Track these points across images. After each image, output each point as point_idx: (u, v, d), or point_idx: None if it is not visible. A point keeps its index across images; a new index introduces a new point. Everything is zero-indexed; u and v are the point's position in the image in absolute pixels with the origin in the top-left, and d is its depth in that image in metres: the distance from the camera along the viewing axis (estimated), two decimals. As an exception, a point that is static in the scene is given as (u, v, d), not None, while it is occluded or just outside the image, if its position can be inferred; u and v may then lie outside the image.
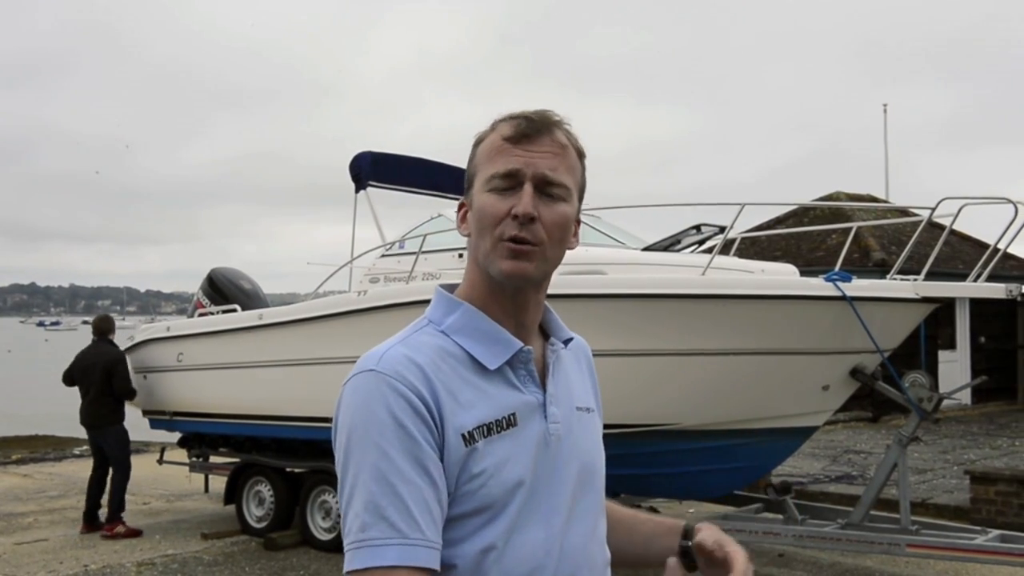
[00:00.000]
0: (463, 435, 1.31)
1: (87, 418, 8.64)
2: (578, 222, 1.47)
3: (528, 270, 1.37)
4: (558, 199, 1.38)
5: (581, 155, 1.44)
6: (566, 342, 1.51)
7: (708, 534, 1.47)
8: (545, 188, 1.37)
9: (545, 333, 1.51)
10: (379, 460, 1.26)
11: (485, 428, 1.33)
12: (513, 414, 1.37)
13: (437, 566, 1.26)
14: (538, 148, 1.38)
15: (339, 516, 7.34)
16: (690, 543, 1.51)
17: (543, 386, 1.43)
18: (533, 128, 1.39)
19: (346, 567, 1.25)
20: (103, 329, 8.91)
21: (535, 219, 1.35)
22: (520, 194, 1.36)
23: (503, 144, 1.39)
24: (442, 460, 1.29)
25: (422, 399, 1.30)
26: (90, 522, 8.54)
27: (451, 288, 1.47)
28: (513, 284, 1.39)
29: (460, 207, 1.47)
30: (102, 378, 8.55)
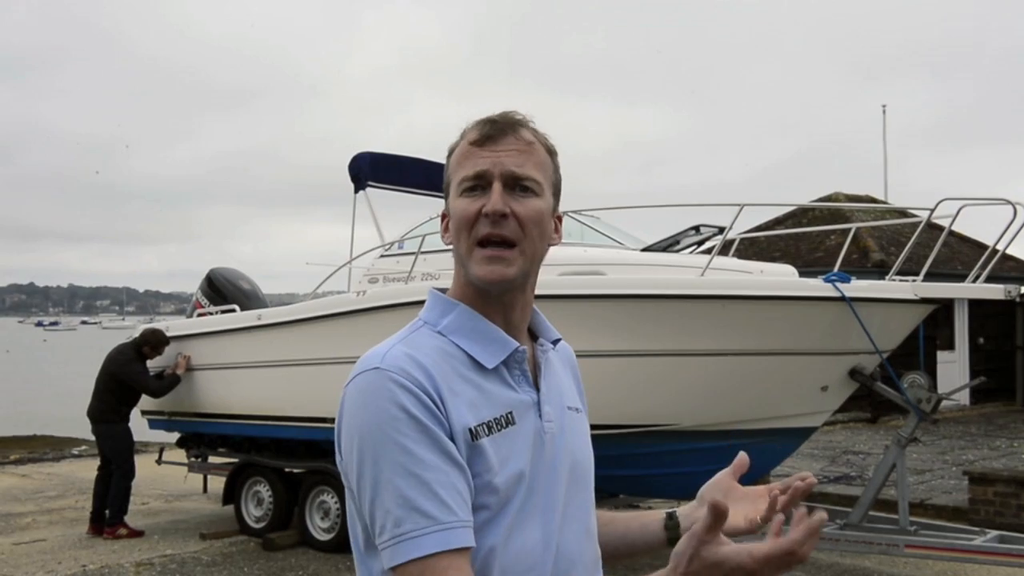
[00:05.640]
0: (470, 430, 1.32)
1: (88, 410, 8.61)
2: (559, 218, 1.50)
3: (506, 273, 1.39)
4: (529, 194, 1.41)
5: (551, 152, 1.47)
6: (554, 342, 1.53)
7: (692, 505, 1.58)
8: (514, 184, 1.40)
9: (533, 334, 1.53)
10: (399, 454, 1.27)
11: (487, 426, 1.35)
12: (511, 412, 1.38)
13: (473, 542, 1.27)
14: (504, 147, 1.41)
15: (338, 517, 7.27)
16: (675, 511, 1.61)
17: (536, 386, 1.45)
18: (497, 129, 1.42)
19: (387, 564, 1.26)
20: (139, 337, 8.71)
21: (507, 215, 1.38)
22: (490, 193, 1.39)
23: (470, 149, 1.42)
24: None
25: (428, 395, 1.31)
26: (96, 522, 8.45)
27: (442, 292, 1.49)
28: (494, 289, 1.41)
29: (442, 218, 1.50)
30: (105, 379, 8.54)
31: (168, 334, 8.88)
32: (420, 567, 1.23)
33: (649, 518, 1.64)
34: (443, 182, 1.49)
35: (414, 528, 1.24)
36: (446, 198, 1.48)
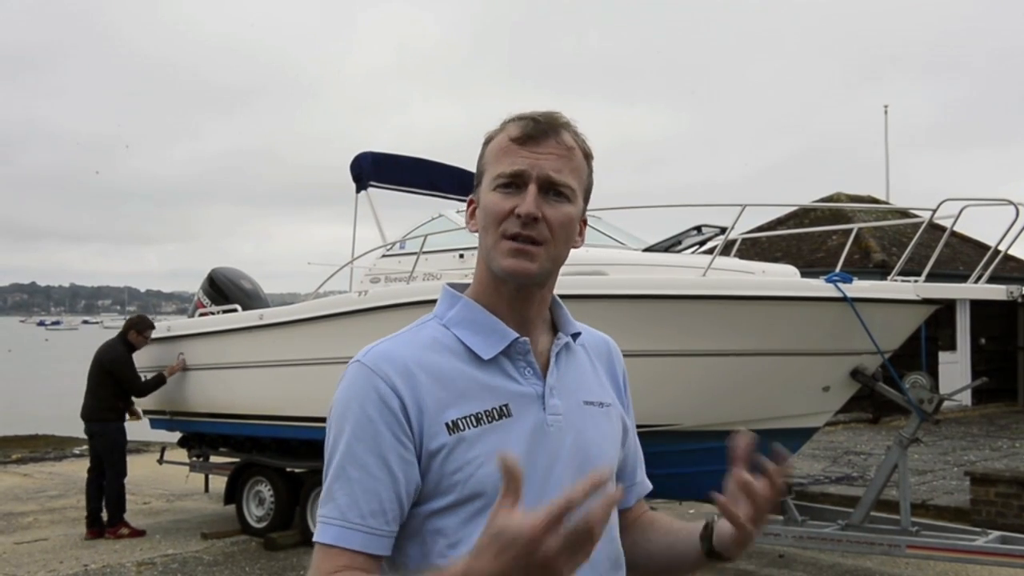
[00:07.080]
0: (447, 424, 1.34)
1: (81, 410, 8.61)
2: (584, 222, 1.51)
3: (530, 269, 1.40)
4: (562, 200, 1.42)
5: (588, 157, 1.48)
6: (574, 336, 1.53)
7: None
8: (549, 189, 1.40)
9: (556, 328, 1.53)
10: (343, 448, 1.35)
11: (474, 418, 1.36)
12: (506, 404, 1.39)
13: (380, 552, 1.33)
14: (544, 149, 1.41)
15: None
16: (715, 519, 1.49)
17: (545, 378, 1.45)
18: (539, 130, 1.41)
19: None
20: (124, 327, 8.87)
21: (538, 219, 1.38)
22: (524, 194, 1.39)
23: (510, 145, 1.42)
24: (420, 452, 1.34)
25: (397, 393, 1.34)
26: (93, 526, 8.39)
27: (461, 287, 1.51)
28: (515, 281, 1.42)
29: (469, 203, 1.51)
30: (97, 373, 8.54)
31: (170, 334, 8.90)
32: (320, 550, 1.33)
33: (692, 529, 1.54)
34: (477, 167, 1.49)
35: (326, 515, 1.34)
36: (476, 186, 1.48)
